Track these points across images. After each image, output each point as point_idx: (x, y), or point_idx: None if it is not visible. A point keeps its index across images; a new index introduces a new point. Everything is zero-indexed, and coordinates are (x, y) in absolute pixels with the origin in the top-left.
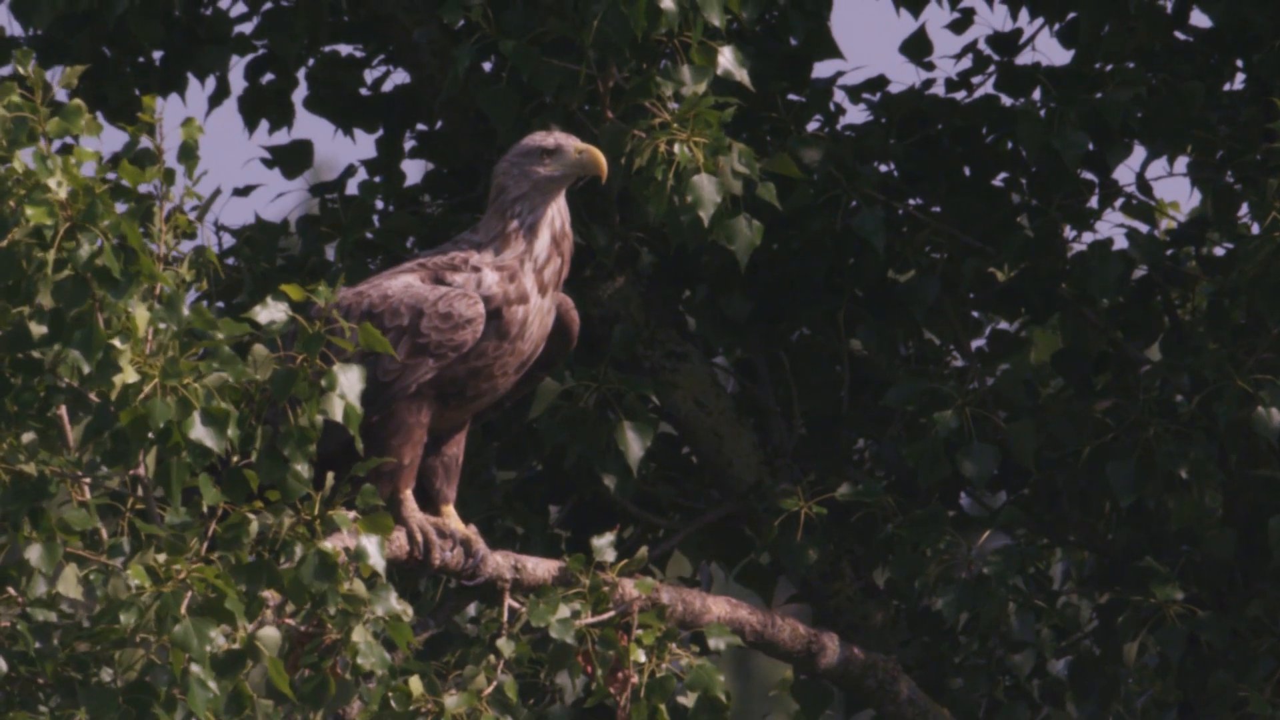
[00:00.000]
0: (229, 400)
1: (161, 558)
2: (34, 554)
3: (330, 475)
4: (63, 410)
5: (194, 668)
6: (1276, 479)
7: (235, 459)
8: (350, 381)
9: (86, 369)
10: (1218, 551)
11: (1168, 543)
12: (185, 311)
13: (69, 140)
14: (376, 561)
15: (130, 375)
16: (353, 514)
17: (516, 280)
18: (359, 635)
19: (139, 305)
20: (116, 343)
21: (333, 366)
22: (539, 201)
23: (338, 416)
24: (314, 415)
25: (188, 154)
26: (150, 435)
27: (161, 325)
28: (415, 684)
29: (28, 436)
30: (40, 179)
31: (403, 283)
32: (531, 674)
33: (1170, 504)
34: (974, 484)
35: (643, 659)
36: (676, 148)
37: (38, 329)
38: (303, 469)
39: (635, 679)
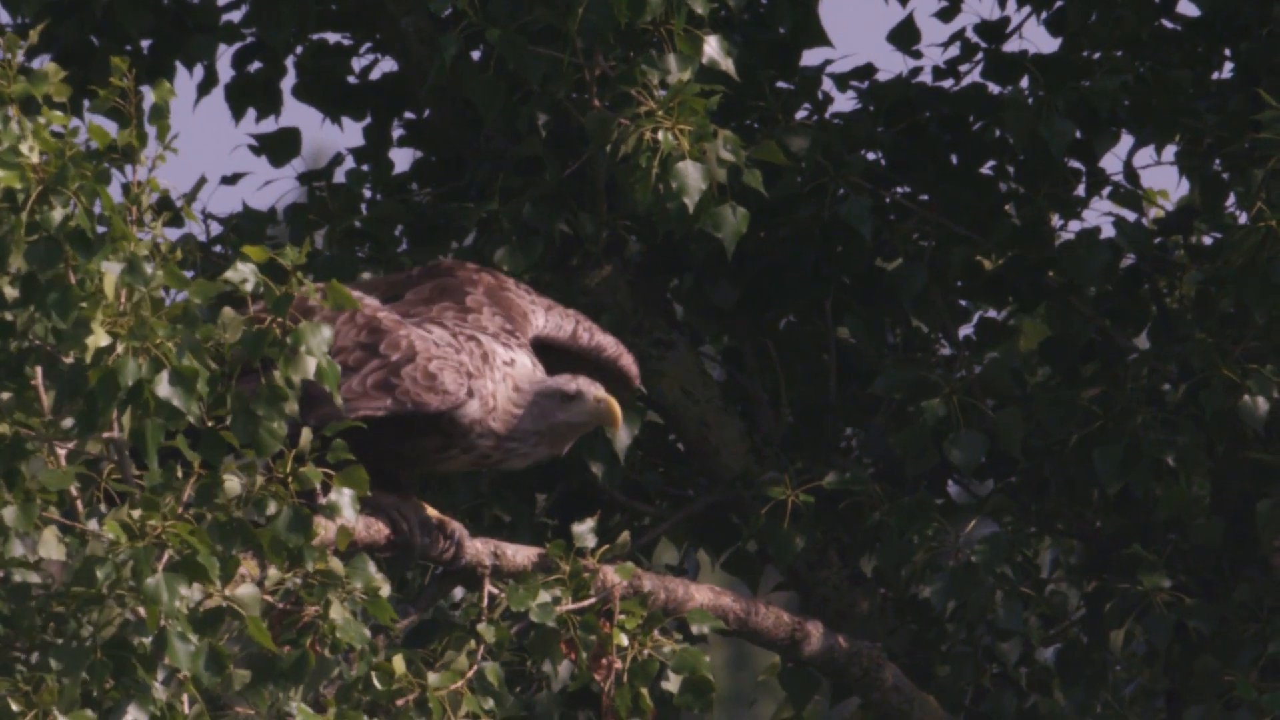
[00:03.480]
0: (201, 359)
1: (137, 514)
2: (9, 515)
3: (306, 431)
4: (39, 374)
5: (171, 622)
6: (1263, 465)
7: (209, 422)
8: (319, 341)
9: (62, 326)
10: (1205, 539)
11: (1155, 530)
12: (155, 271)
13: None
14: (350, 515)
15: (101, 338)
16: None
17: (490, 431)
18: (336, 611)
19: (109, 266)
20: (86, 305)
21: (299, 325)
22: (548, 443)
23: (310, 374)
24: (287, 373)
25: (159, 115)
26: (121, 396)
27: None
28: (398, 662)
29: (4, 396)
30: (10, 142)
31: (434, 335)
32: (518, 661)
33: (1158, 492)
34: (962, 472)
35: (625, 643)
36: (661, 135)
37: (11, 292)
38: (277, 426)
39: (619, 664)
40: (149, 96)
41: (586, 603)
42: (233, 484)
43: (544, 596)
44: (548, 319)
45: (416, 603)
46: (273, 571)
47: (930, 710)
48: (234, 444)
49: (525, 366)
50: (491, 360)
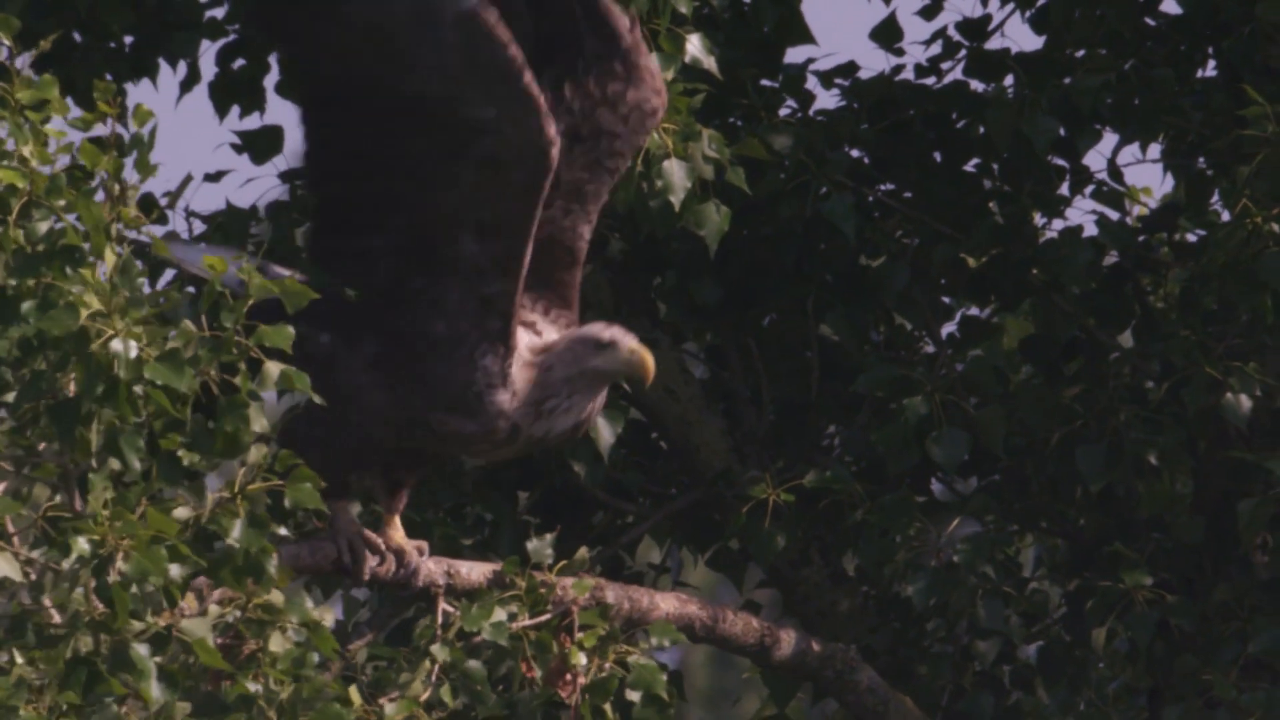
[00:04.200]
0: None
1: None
2: None
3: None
4: None
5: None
6: (1245, 464)
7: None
8: (283, 337)
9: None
10: (1187, 537)
11: (1138, 529)
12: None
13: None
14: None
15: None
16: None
17: (513, 421)
18: (277, 644)
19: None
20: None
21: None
22: (582, 391)
23: (271, 387)
24: (248, 386)
25: (139, 142)
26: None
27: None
28: (354, 693)
29: None
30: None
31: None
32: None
33: (1140, 490)
34: (944, 470)
35: (584, 660)
36: (648, 140)
37: None
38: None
39: (583, 678)
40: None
41: (543, 618)
42: (182, 512)
43: (499, 614)
44: None
45: (371, 624)
46: (212, 607)
47: (906, 711)
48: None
49: (524, 341)
50: (514, 346)
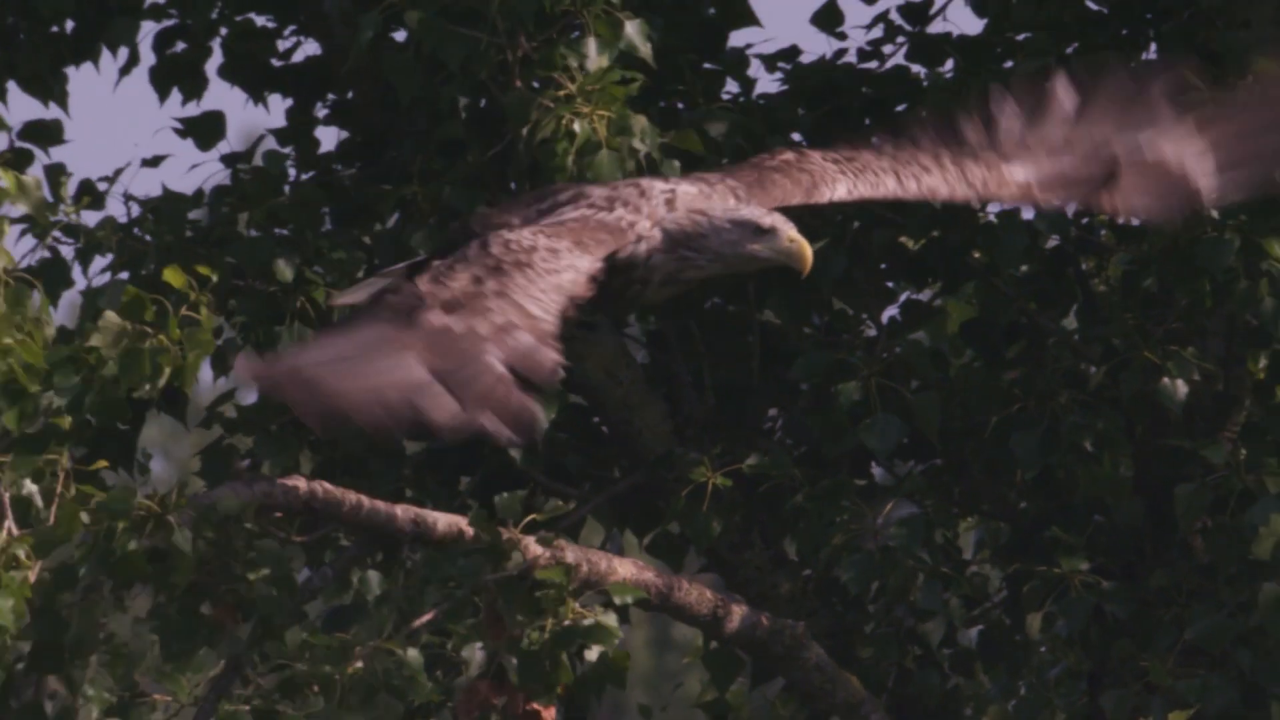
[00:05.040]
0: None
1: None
2: None
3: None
4: None
5: None
6: (1182, 449)
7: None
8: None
9: None
10: (1126, 521)
11: (1078, 513)
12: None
13: None
14: None
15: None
16: None
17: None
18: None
19: None
20: None
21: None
22: (721, 265)
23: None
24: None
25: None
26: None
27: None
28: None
29: None
30: None
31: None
32: (438, 645)
33: (1080, 474)
34: (877, 455)
35: (545, 609)
36: (579, 125)
37: None
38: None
39: (518, 634)
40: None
41: (507, 572)
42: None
43: (463, 564)
44: (856, 183)
45: (334, 565)
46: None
47: (853, 690)
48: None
49: (688, 194)
50: (648, 194)
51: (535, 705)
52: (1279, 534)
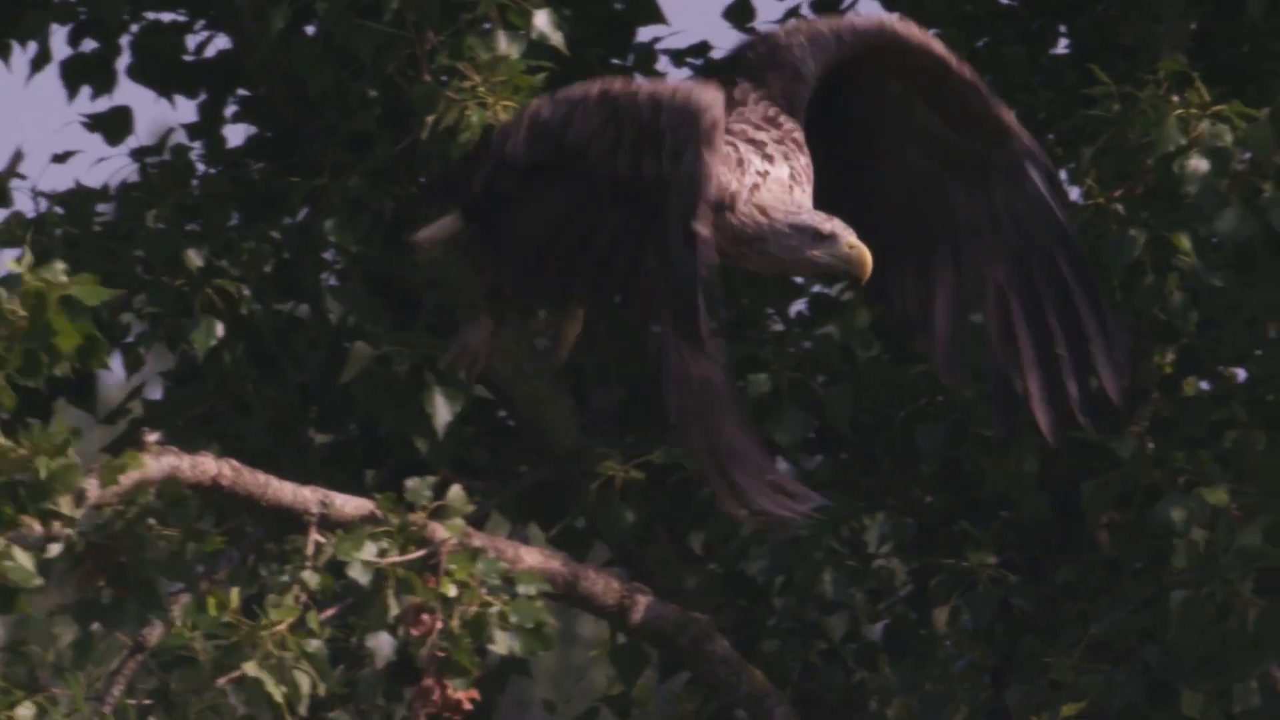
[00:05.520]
0: None
1: None
2: None
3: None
4: None
5: None
6: (1090, 443)
7: None
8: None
9: None
10: (1032, 515)
11: (985, 507)
12: None
13: None
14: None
15: None
16: None
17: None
18: (154, 551)
19: None
20: None
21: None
22: (779, 267)
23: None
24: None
25: None
26: None
27: None
28: (234, 595)
29: None
30: None
31: None
32: (342, 638)
33: (987, 468)
34: (785, 449)
35: (454, 593)
36: (477, 114)
37: None
38: None
39: (439, 624)
40: None
41: (413, 556)
42: None
43: (370, 548)
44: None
45: (242, 546)
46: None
47: (758, 684)
48: None
49: (775, 182)
50: (745, 167)
51: (457, 693)
52: (1194, 540)
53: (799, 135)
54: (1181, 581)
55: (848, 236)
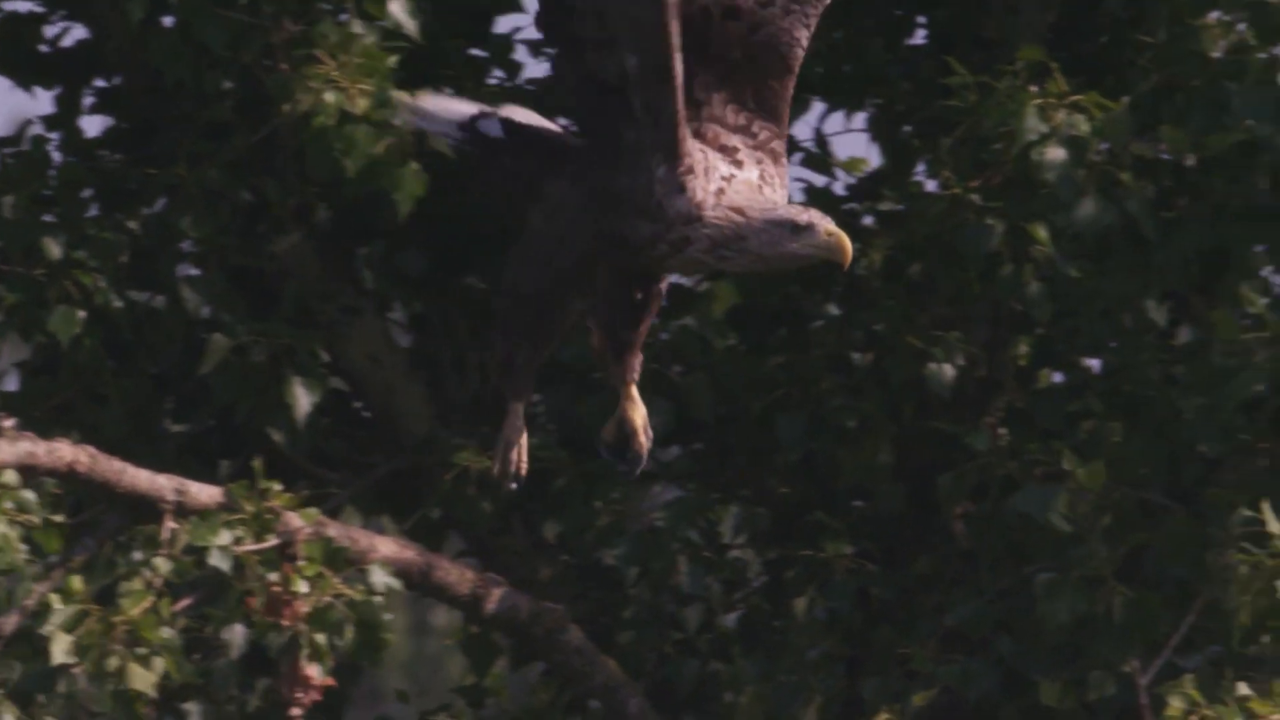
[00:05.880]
0: None
1: None
2: None
3: None
4: None
5: None
6: (946, 433)
7: None
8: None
9: None
10: (888, 506)
11: (840, 498)
12: None
13: None
14: None
15: None
16: None
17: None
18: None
19: None
20: None
21: None
22: (763, 264)
23: None
24: None
25: None
26: None
27: None
28: (76, 581)
29: None
30: None
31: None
32: (196, 628)
33: (843, 458)
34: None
35: (305, 589)
36: (332, 96)
37: None
38: None
39: (304, 608)
40: None
41: (269, 544)
42: None
43: (225, 536)
44: None
45: (95, 534)
46: None
47: (612, 674)
48: None
49: (742, 184)
50: (710, 173)
51: (315, 677)
52: (1055, 525)
53: (777, 145)
54: (1045, 567)
55: (825, 224)
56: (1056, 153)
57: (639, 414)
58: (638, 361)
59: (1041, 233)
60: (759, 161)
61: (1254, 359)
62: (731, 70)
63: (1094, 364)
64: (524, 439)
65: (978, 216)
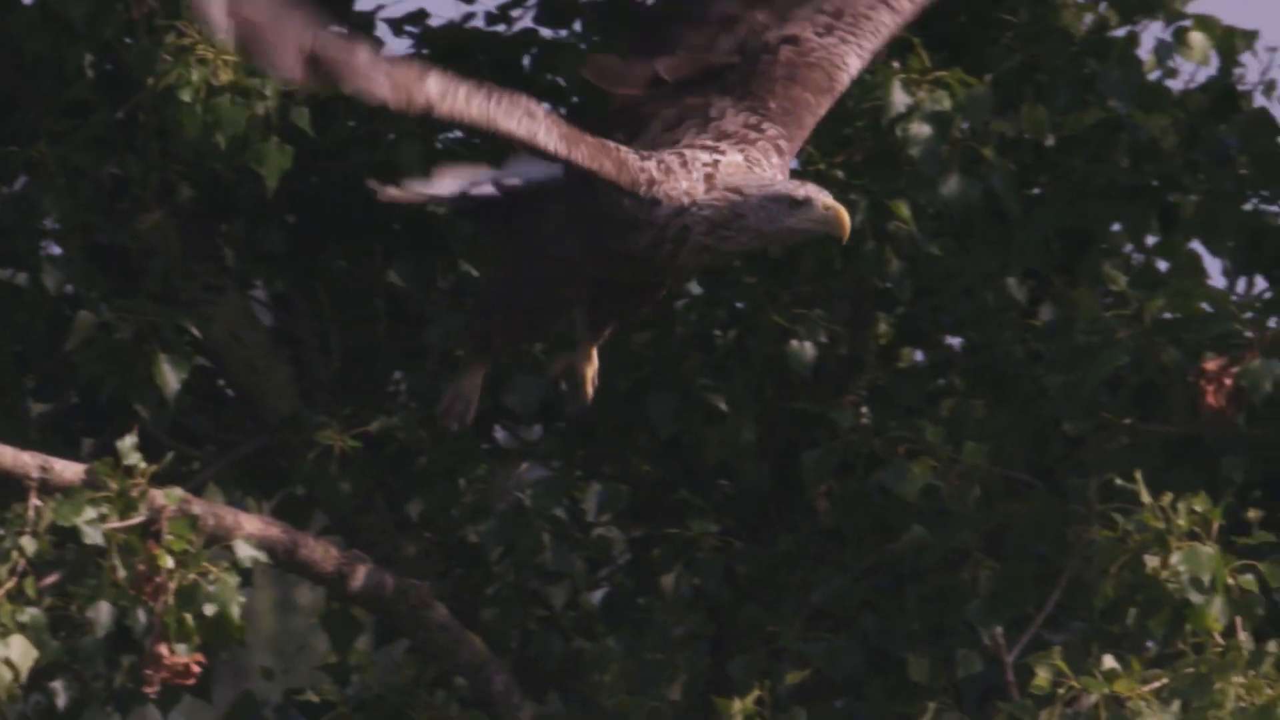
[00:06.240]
0: None
1: None
2: None
3: None
4: None
5: None
6: (809, 412)
7: None
8: None
9: None
10: (752, 485)
11: (704, 476)
12: None
13: None
14: None
15: None
16: None
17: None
18: None
19: None
20: None
21: None
22: (762, 240)
23: None
24: None
25: None
26: None
27: None
28: None
29: None
30: None
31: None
32: (62, 607)
33: (708, 437)
34: (518, 416)
35: (171, 565)
36: (197, 73)
37: None
38: None
39: (172, 585)
40: None
41: (134, 521)
42: None
43: (90, 513)
44: (860, 43)
45: None
46: None
47: (477, 651)
48: None
49: (730, 165)
50: (690, 165)
51: (183, 658)
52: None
53: (784, 143)
54: (910, 542)
55: (823, 198)
56: (921, 128)
57: (590, 369)
58: (608, 332)
59: (904, 210)
60: (742, 149)
61: (1116, 336)
62: (758, 81)
63: (956, 342)
64: (477, 394)
65: (840, 193)
